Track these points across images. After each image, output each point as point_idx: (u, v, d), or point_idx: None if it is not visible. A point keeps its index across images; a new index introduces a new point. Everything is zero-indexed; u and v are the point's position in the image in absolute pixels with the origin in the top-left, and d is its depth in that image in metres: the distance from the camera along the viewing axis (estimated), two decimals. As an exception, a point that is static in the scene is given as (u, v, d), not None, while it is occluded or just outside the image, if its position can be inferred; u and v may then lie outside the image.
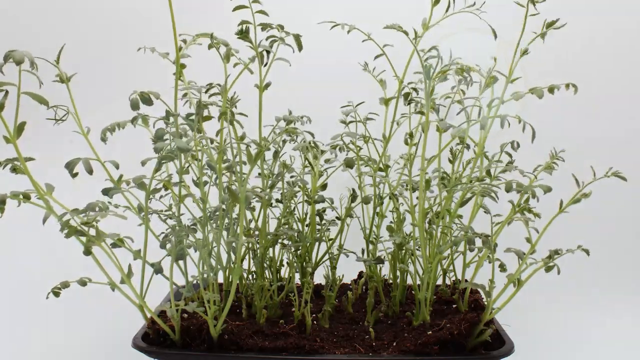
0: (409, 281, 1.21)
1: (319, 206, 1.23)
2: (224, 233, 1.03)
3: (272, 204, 1.18)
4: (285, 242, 1.18)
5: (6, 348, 1.34)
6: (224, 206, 1.02)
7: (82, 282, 0.95)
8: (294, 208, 1.22)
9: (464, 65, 1.02)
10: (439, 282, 1.23)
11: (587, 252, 0.97)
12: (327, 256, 1.25)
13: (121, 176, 0.98)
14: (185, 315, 1.02)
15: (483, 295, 1.17)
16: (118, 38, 1.88)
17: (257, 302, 1.10)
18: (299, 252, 1.21)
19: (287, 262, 1.19)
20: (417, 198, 1.02)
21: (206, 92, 1.06)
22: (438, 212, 1.11)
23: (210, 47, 0.99)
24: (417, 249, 1.08)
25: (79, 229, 0.88)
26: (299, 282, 1.23)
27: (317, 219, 1.23)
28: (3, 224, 0.94)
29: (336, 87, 1.57)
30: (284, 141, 1.17)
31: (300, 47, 1.00)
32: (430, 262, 1.05)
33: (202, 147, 1.02)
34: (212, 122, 1.03)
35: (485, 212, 1.06)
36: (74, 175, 0.88)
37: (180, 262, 1.05)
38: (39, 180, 0.86)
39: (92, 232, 0.90)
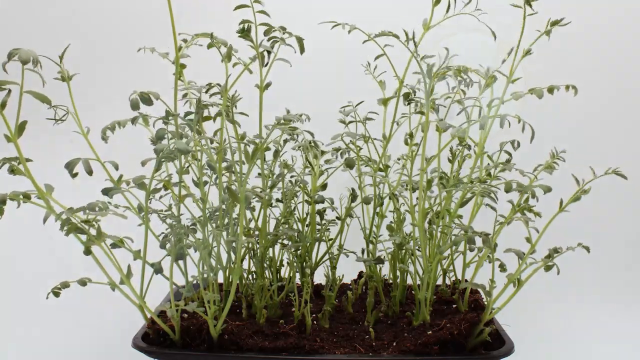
0: (409, 281, 1.21)
1: (319, 206, 1.23)
2: (224, 233, 1.03)
3: (272, 204, 1.18)
4: (285, 242, 1.18)
5: (6, 348, 1.34)
6: (224, 206, 1.02)
7: (82, 282, 0.95)
8: (294, 208, 1.22)
9: (462, 66, 1.02)
10: (439, 282, 1.23)
11: (587, 249, 0.96)
12: (327, 256, 1.25)
13: (121, 176, 0.98)
14: (185, 315, 1.02)
15: (483, 295, 1.17)
16: (118, 38, 1.87)
17: (257, 302, 1.10)
18: (299, 252, 1.21)
19: (287, 262, 1.19)
20: (417, 198, 1.02)
21: (206, 92, 1.06)
22: (438, 212, 1.11)
23: (210, 46, 0.99)
24: (417, 249, 1.08)
25: (79, 226, 0.88)
26: (299, 282, 1.23)
27: (317, 218, 1.23)
28: (3, 224, 0.94)
29: (336, 87, 1.58)
30: (285, 140, 1.17)
31: (302, 50, 1.00)
32: (430, 262, 1.05)
33: (202, 147, 1.02)
34: (214, 124, 1.03)
35: (491, 208, 1.06)
36: (74, 175, 0.88)
37: (180, 262, 1.05)
38: (39, 181, 0.86)
39: (93, 231, 0.90)
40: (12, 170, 0.85)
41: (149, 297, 0.99)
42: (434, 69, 0.96)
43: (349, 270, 1.29)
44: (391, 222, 1.20)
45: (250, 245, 1.13)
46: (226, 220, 1.03)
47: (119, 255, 0.96)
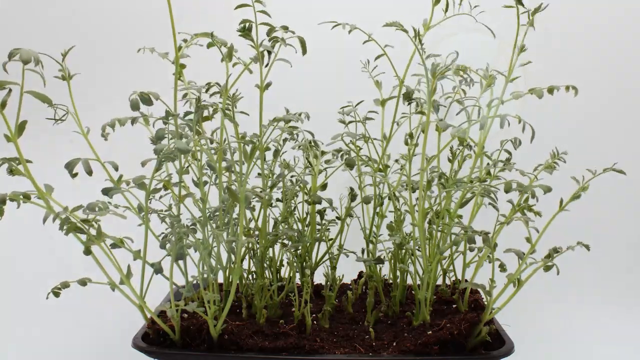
0: (409, 281, 1.21)
1: (319, 206, 1.23)
2: (224, 233, 1.03)
3: (272, 204, 1.18)
4: (285, 242, 1.18)
5: (6, 348, 1.34)
6: (224, 206, 1.02)
7: (82, 282, 0.95)
8: (294, 208, 1.22)
9: (461, 65, 1.02)
10: (439, 282, 1.23)
11: (587, 247, 0.96)
12: (327, 256, 1.25)
13: (121, 176, 0.98)
14: (185, 315, 1.02)
15: (483, 295, 1.17)
16: (118, 38, 1.87)
17: (257, 302, 1.10)
18: (299, 252, 1.21)
19: (287, 262, 1.19)
20: (416, 198, 1.02)
21: (206, 91, 1.06)
22: (438, 212, 1.11)
23: (210, 45, 0.99)
24: (417, 249, 1.08)
25: (78, 225, 0.88)
26: (299, 282, 1.23)
27: (317, 218, 1.23)
28: (3, 224, 0.94)
29: (336, 87, 1.57)
30: (285, 140, 1.17)
31: (304, 51, 1.00)
32: (430, 262, 1.05)
33: (202, 147, 1.02)
34: (213, 122, 1.03)
35: (493, 207, 1.06)
36: (74, 175, 0.88)
37: (180, 262, 1.05)
38: (39, 181, 0.86)
39: (93, 231, 0.90)
40: (12, 170, 0.85)
41: (149, 297, 0.99)
42: (438, 68, 0.96)
43: (349, 270, 1.29)
44: (391, 222, 1.20)
45: (250, 245, 1.13)
46: (226, 220, 1.03)
47: (119, 255, 0.96)
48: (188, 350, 0.98)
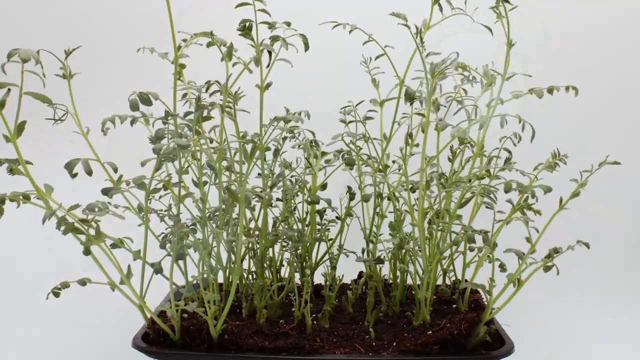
0: (409, 281, 1.21)
1: (319, 206, 1.23)
2: (224, 233, 1.03)
3: (272, 203, 1.18)
4: (285, 241, 1.18)
5: (6, 348, 1.34)
6: (223, 206, 1.02)
7: (82, 282, 0.95)
8: (294, 208, 1.22)
9: (461, 63, 1.02)
10: (439, 282, 1.23)
11: (587, 245, 0.96)
12: (327, 256, 1.25)
13: (121, 176, 0.98)
14: (185, 315, 1.02)
15: (483, 295, 1.17)
16: (118, 38, 1.87)
17: (257, 302, 1.10)
18: (299, 252, 1.21)
19: (287, 262, 1.19)
20: (415, 199, 1.02)
21: (206, 90, 1.06)
22: (438, 212, 1.11)
23: (209, 45, 0.99)
24: (417, 249, 1.08)
25: (76, 225, 0.88)
26: (299, 282, 1.23)
27: (317, 218, 1.23)
28: (3, 224, 0.94)
29: (336, 87, 1.57)
30: (284, 138, 1.17)
31: (307, 47, 0.99)
32: (430, 262, 1.05)
33: (201, 147, 1.02)
34: (213, 122, 1.03)
35: (487, 207, 1.06)
36: (74, 175, 0.88)
37: (180, 262, 1.05)
38: (39, 181, 0.86)
39: (92, 231, 0.90)
40: (11, 170, 0.85)
41: (149, 297, 0.99)
42: (437, 67, 0.96)
43: (349, 270, 1.29)
44: (391, 221, 1.20)
45: (250, 245, 1.13)
46: (226, 220, 1.03)
47: (119, 255, 0.96)
48: (188, 350, 0.98)
